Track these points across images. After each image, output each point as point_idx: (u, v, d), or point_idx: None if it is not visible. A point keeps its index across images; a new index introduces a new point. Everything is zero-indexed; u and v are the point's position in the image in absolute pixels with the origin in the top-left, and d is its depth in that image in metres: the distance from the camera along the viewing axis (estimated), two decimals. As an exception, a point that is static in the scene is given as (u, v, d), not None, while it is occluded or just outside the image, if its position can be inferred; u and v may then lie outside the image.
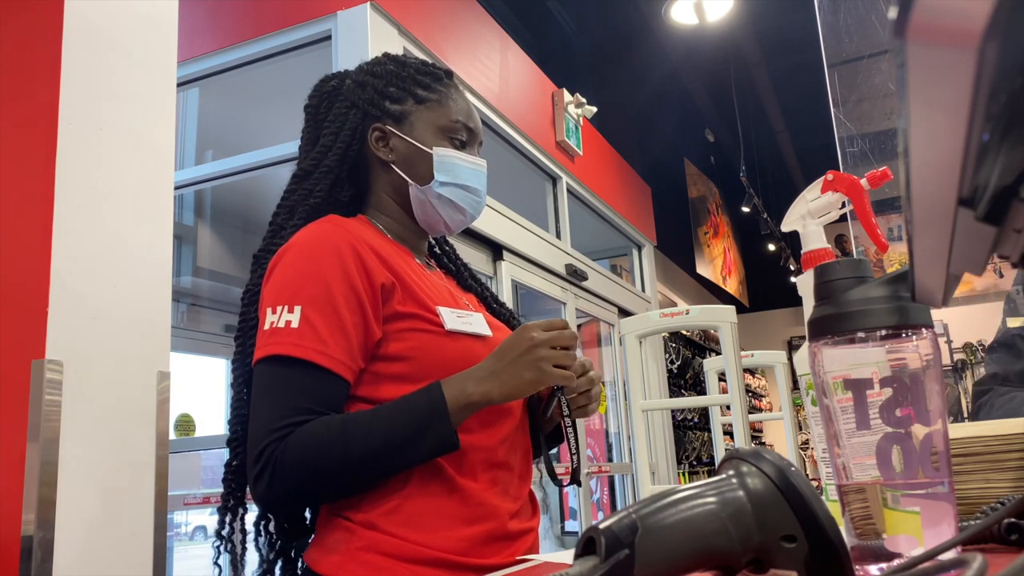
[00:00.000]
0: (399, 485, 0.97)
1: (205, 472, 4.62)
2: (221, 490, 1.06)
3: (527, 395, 1.00)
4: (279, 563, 1.08)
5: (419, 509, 0.97)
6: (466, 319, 1.06)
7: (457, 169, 1.11)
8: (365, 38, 2.50)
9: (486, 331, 1.07)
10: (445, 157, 1.11)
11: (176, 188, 1.97)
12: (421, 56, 2.83)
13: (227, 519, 1.06)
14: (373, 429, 0.92)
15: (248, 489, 0.99)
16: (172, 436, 1.55)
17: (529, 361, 0.95)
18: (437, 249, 1.29)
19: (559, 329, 0.98)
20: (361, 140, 1.13)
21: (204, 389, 4.66)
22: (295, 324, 0.94)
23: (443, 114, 1.13)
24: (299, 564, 1.08)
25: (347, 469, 0.92)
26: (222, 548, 1.06)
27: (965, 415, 3.83)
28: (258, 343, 0.98)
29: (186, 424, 4.20)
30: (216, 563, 1.06)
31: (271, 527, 1.07)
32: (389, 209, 1.15)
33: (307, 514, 1.11)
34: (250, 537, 1.08)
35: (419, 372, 0.99)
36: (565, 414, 1.08)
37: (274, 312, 0.96)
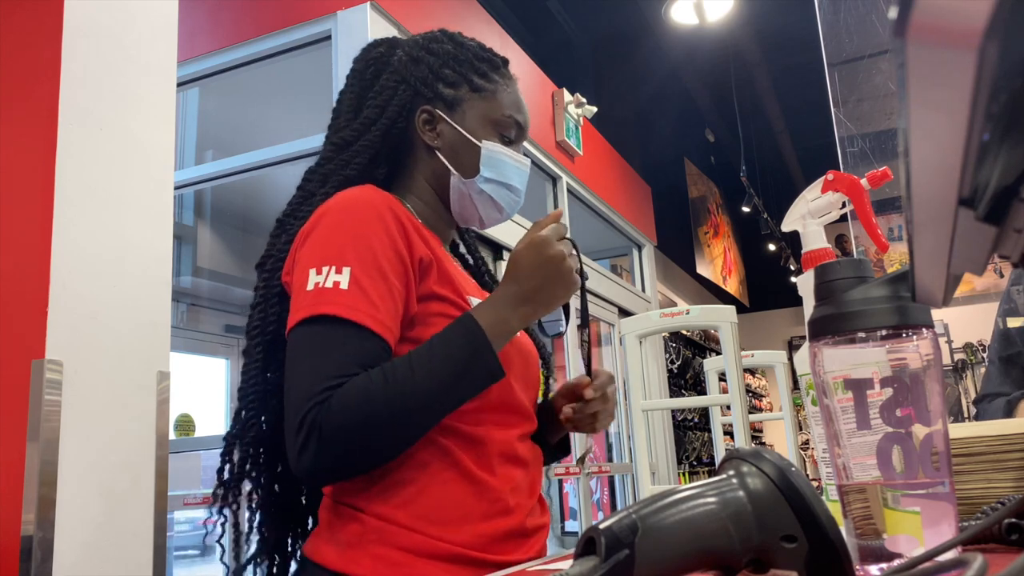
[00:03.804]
0: (414, 475, 0.92)
1: (205, 472, 4.62)
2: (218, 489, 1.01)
3: (559, 306, 0.95)
4: (276, 556, 1.03)
5: (436, 502, 0.92)
6: None
7: (503, 166, 1.07)
8: (365, 38, 2.49)
9: None
10: (493, 152, 1.06)
11: (176, 188, 1.97)
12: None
13: (224, 518, 1.01)
14: (416, 371, 0.86)
15: (294, 463, 0.89)
16: (172, 436, 1.55)
17: (558, 274, 0.91)
18: (458, 239, 1.25)
19: (556, 221, 0.94)
20: (407, 119, 1.07)
21: (204, 389, 4.66)
22: (344, 285, 0.88)
23: (497, 107, 1.08)
24: (297, 555, 1.03)
25: (398, 419, 0.86)
26: (223, 546, 1.03)
27: (965, 415, 3.83)
28: (298, 304, 0.91)
29: (186, 424, 4.20)
30: (222, 561, 1.03)
31: (258, 521, 1.02)
32: (424, 193, 1.09)
33: (303, 500, 1.06)
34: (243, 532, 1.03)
35: None
36: (584, 340, 1.03)
37: (319, 273, 0.89)
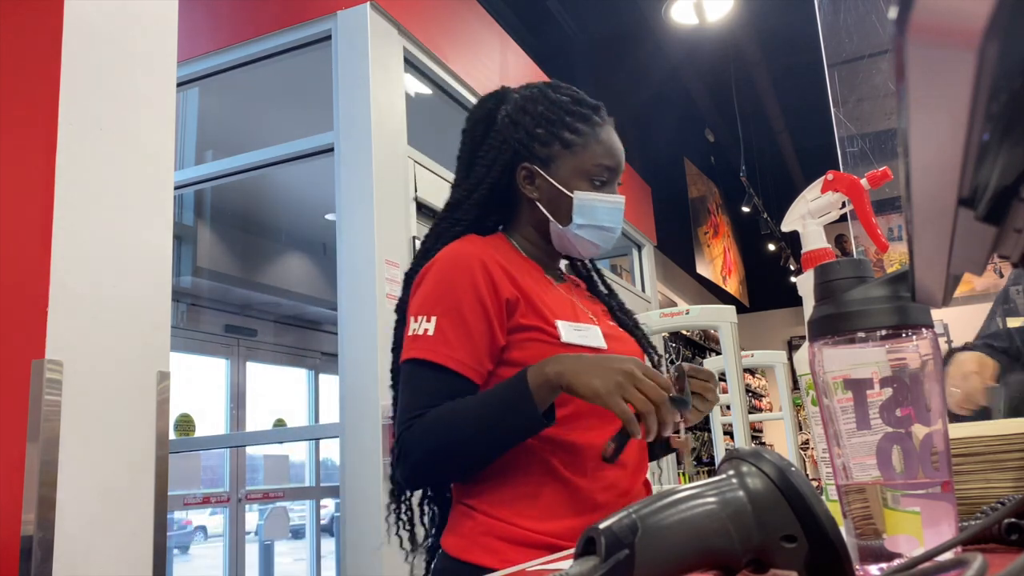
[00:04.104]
0: (515, 480, 1.09)
1: (205, 472, 4.62)
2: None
3: (587, 396, 1.00)
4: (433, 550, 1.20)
5: (531, 501, 1.08)
6: (583, 332, 1.15)
7: (595, 211, 1.20)
8: (365, 38, 2.50)
9: (601, 344, 1.16)
10: (584, 200, 1.19)
11: (176, 188, 1.97)
12: (422, 57, 2.84)
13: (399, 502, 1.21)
14: (469, 411, 1.04)
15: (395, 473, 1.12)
16: (172, 436, 1.55)
17: (609, 376, 0.98)
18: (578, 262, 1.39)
19: (657, 382, 0.98)
20: (510, 175, 1.22)
21: (204, 389, 4.66)
22: (431, 332, 1.08)
23: (587, 158, 1.20)
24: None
25: (453, 449, 1.05)
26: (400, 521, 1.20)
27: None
28: (404, 346, 1.12)
29: (186, 424, 4.20)
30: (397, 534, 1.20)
31: (425, 519, 1.21)
32: (529, 234, 1.25)
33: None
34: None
35: None
36: (611, 450, 1.06)
37: (415, 321, 1.10)
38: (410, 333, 1.10)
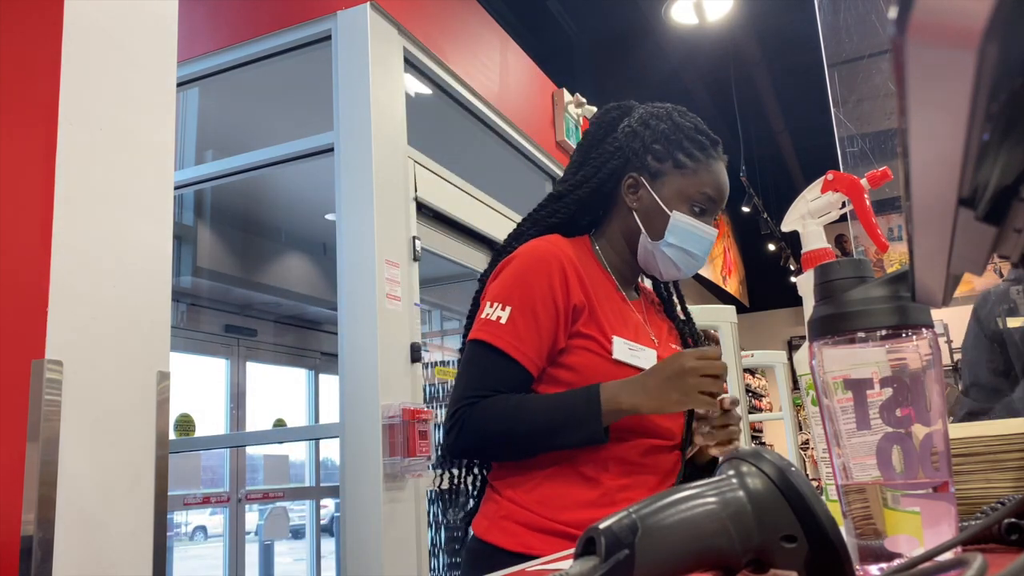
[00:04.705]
0: (540, 470, 1.16)
1: (205, 472, 4.62)
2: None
3: (672, 412, 1.15)
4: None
5: (552, 491, 1.15)
6: (636, 353, 1.20)
7: (687, 236, 1.24)
8: (365, 38, 2.50)
9: (648, 367, 1.19)
10: (680, 222, 1.23)
11: (176, 188, 1.97)
12: (422, 57, 2.84)
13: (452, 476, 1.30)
14: (537, 412, 1.12)
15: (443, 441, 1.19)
16: (172, 436, 1.55)
17: (678, 383, 1.08)
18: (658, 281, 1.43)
19: (711, 359, 1.08)
20: (616, 181, 1.27)
21: (204, 389, 4.66)
22: (503, 321, 1.15)
23: (694, 184, 1.24)
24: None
25: (511, 439, 1.13)
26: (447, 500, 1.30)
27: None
28: (474, 326, 1.19)
29: (186, 424, 4.20)
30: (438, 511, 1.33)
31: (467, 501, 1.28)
32: (616, 242, 1.30)
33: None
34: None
35: (581, 384, 1.16)
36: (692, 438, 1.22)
37: (491, 306, 1.17)
38: (483, 316, 1.17)
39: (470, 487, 1.29)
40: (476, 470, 1.29)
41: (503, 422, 1.12)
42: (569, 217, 1.29)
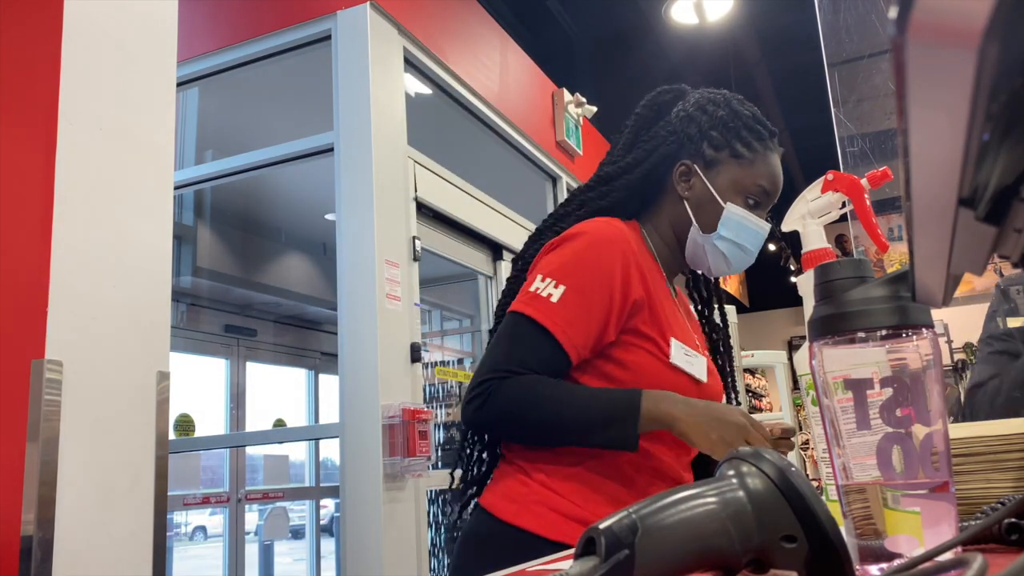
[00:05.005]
0: (577, 459, 1.10)
1: (205, 472, 4.62)
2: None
3: (700, 447, 1.06)
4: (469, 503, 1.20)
5: (591, 483, 1.09)
6: (691, 359, 1.14)
7: (741, 229, 1.18)
8: (365, 38, 2.50)
9: (703, 376, 1.15)
10: (734, 215, 1.17)
11: (176, 188, 1.97)
12: (422, 57, 2.84)
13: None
14: (572, 402, 1.06)
15: (462, 409, 1.11)
16: (172, 436, 1.55)
17: (725, 429, 1.02)
18: (698, 275, 1.36)
19: (762, 433, 1.03)
20: (668, 167, 1.20)
21: (204, 389, 4.66)
22: (555, 299, 1.07)
23: (750, 175, 1.17)
24: (471, 504, 1.19)
25: (537, 424, 1.06)
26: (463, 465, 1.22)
27: (965, 415, 3.82)
28: (519, 297, 1.11)
29: (185, 424, 4.20)
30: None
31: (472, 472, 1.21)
32: (664, 232, 1.23)
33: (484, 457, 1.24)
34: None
35: (631, 384, 1.10)
36: None
37: (542, 280, 1.09)
38: (532, 289, 1.09)
39: (475, 461, 1.21)
40: (491, 446, 1.21)
41: (533, 405, 1.05)
42: (618, 201, 1.20)
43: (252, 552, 4.95)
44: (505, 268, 3.35)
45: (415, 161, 2.66)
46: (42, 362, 1.27)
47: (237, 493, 4.27)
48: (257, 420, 4.87)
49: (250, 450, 4.82)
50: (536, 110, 3.86)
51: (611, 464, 1.10)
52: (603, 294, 1.08)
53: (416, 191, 2.62)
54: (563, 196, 4.07)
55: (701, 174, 1.18)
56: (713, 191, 1.17)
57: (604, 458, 1.10)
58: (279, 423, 4.82)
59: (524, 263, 1.21)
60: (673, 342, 1.12)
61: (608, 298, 1.08)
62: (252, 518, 5.68)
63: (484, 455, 1.22)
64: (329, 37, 2.59)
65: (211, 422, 4.58)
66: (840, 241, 7.02)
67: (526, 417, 1.05)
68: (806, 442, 7.29)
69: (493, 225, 3.23)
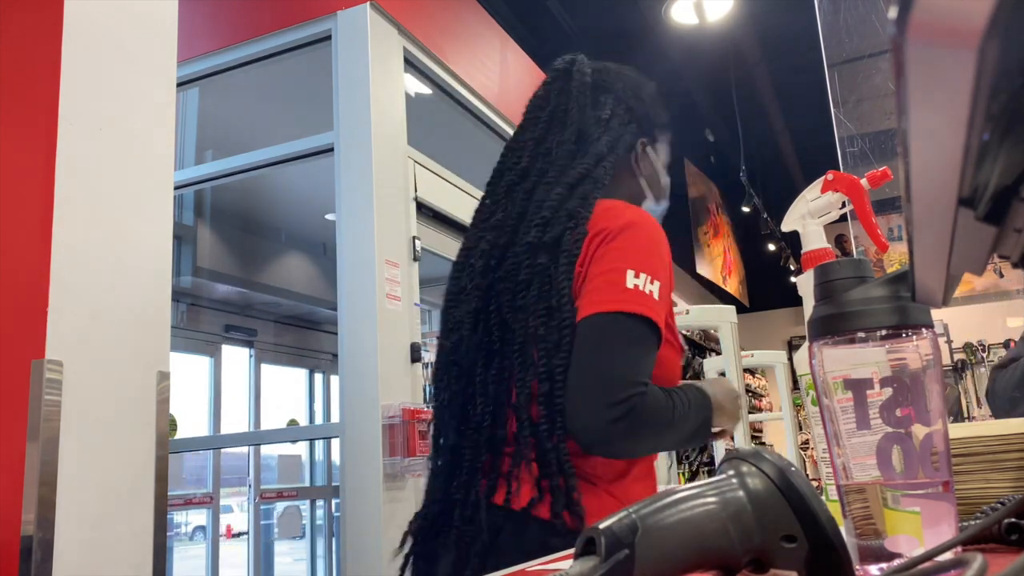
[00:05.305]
0: (646, 471, 1.13)
1: (189, 472, 4.62)
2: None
3: (721, 426, 1.16)
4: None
5: (644, 494, 1.07)
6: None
7: (665, 199, 1.27)
8: (365, 38, 2.50)
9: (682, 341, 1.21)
10: (667, 186, 1.27)
11: (176, 188, 1.97)
12: (422, 57, 2.84)
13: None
14: (684, 411, 1.06)
15: (596, 427, 0.99)
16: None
17: (734, 406, 1.16)
18: None
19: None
20: (628, 148, 1.22)
21: (188, 388, 4.63)
22: (656, 296, 1.02)
23: (668, 148, 1.28)
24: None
25: (673, 435, 1.06)
26: None
27: (965, 415, 3.82)
28: (614, 295, 1.01)
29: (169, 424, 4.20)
30: None
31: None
32: None
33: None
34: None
35: (661, 377, 1.08)
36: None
37: (637, 276, 1.02)
38: (631, 286, 1.00)
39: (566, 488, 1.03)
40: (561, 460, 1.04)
41: (668, 416, 1.02)
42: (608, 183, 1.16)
43: (241, 553, 4.93)
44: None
45: (415, 161, 2.66)
46: (42, 362, 1.27)
47: (253, 492, 4.31)
48: (260, 420, 4.88)
49: (244, 450, 4.83)
50: (536, 110, 3.86)
51: (652, 469, 1.17)
52: (671, 285, 1.08)
53: (416, 191, 2.62)
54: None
55: (651, 152, 1.25)
56: (658, 167, 1.25)
57: (650, 465, 1.16)
58: (292, 423, 4.85)
59: (554, 246, 1.07)
60: (677, 329, 1.18)
61: (671, 290, 1.10)
62: (241, 519, 5.68)
63: (572, 479, 1.04)
64: (329, 37, 2.59)
65: (197, 423, 4.58)
66: (840, 241, 7.02)
67: (663, 428, 1.03)
68: (806, 442, 7.29)
69: (493, 225, 3.22)
